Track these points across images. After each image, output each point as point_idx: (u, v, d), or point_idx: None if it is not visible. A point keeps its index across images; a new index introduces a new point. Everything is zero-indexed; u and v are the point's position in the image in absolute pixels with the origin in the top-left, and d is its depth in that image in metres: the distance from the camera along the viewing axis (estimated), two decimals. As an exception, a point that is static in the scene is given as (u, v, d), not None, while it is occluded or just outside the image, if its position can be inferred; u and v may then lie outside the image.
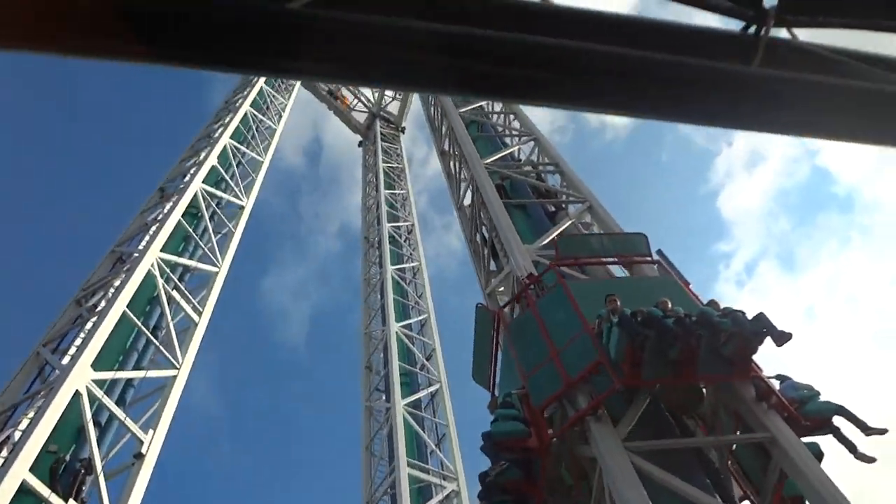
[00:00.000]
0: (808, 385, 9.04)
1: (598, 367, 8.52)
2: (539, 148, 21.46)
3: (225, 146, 28.67)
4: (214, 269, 23.16)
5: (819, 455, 8.36)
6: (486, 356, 11.49)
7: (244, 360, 73.40)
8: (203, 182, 25.34)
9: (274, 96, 38.28)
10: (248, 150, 31.22)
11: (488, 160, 19.34)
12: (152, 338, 18.66)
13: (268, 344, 76.85)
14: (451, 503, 22.22)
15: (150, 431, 16.43)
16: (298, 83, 42.91)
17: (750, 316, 8.64)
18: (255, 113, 34.42)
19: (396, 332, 27.48)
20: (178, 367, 18.40)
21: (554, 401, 8.77)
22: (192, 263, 22.53)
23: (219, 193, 26.65)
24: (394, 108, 54.42)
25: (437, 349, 28.40)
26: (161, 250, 20.50)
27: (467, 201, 20.25)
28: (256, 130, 33.77)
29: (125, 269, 19.68)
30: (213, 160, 26.71)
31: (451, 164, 23.53)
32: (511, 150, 21.66)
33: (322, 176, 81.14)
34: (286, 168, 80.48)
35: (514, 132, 23.51)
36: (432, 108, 28.07)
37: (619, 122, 77.55)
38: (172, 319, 20.43)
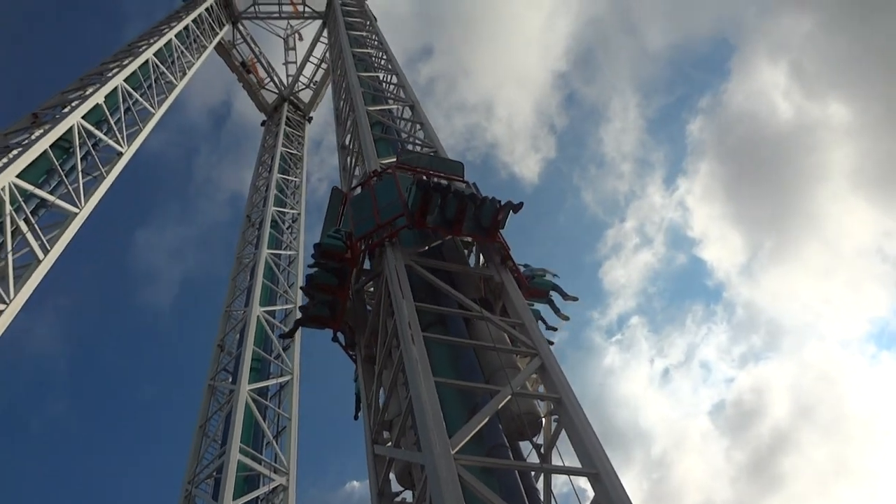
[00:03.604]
0: (542, 269, 12.99)
1: (400, 218, 11.97)
2: (438, 162, 21.56)
3: (116, 87, 26.92)
4: (75, 209, 21.51)
5: (537, 315, 12.11)
6: (332, 224, 14.26)
7: (100, 312, 69.00)
8: (83, 118, 23.63)
9: (183, 52, 36.51)
10: (141, 99, 29.49)
11: (384, 161, 19.25)
12: (-16, 266, 17.04)
13: (129, 301, 72.66)
14: (276, 497, 21.47)
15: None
16: (211, 45, 41.28)
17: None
18: (158, 63, 32.63)
19: (258, 316, 26.51)
20: (7, 302, 16.86)
21: (368, 236, 12.12)
22: (51, 198, 20.84)
23: (98, 134, 24.88)
24: (306, 95, 53.31)
25: (296, 341, 27.60)
26: (17, 175, 18.84)
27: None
28: (155, 81, 31.95)
29: (-29, 186, 17.93)
30: (99, 98, 24.99)
31: (349, 158, 23.25)
32: (410, 157, 21.65)
33: (223, 141, 78.01)
34: (189, 124, 76.94)
35: (417, 142, 23.54)
36: (342, 102, 27.68)
37: (530, 169, 79.81)
38: (14, 253, 18.79)
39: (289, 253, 33.66)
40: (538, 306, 12.63)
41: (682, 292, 79.95)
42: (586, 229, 79.94)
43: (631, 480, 63.12)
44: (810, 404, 60.66)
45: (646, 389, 72.52)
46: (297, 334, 28.15)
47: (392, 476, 10.20)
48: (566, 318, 12.79)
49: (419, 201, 11.61)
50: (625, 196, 78.85)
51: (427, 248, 12.87)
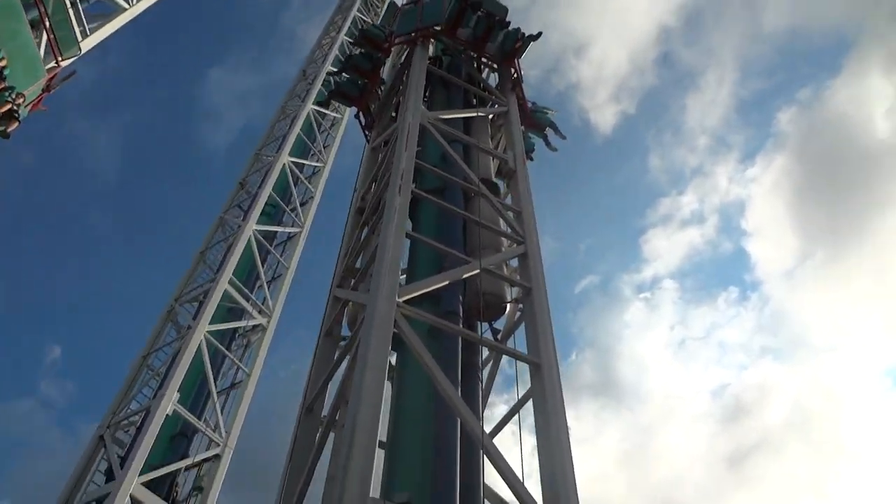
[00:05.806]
0: (548, 108, 14.78)
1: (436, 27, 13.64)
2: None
3: None
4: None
5: (531, 147, 14.12)
6: None
7: (159, 137, 70.38)
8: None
9: None
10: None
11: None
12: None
13: (189, 133, 73.90)
14: (255, 334, 21.76)
15: None
16: None
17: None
18: None
19: (286, 164, 26.22)
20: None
21: (408, 34, 13.78)
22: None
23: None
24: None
25: (315, 199, 27.36)
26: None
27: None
28: None
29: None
30: None
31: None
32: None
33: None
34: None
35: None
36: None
37: (606, 119, 76.73)
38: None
39: (334, 115, 32.97)
40: (533, 139, 14.48)
41: (717, 277, 77.91)
42: (642, 192, 77.26)
43: (612, 435, 63.67)
44: (807, 418, 59.69)
45: (658, 353, 72.02)
46: (318, 192, 28.03)
47: (346, 321, 10.04)
48: (555, 150, 14.78)
49: (455, 12, 13.28)
50: (692, 170, 75.85)
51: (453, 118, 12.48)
